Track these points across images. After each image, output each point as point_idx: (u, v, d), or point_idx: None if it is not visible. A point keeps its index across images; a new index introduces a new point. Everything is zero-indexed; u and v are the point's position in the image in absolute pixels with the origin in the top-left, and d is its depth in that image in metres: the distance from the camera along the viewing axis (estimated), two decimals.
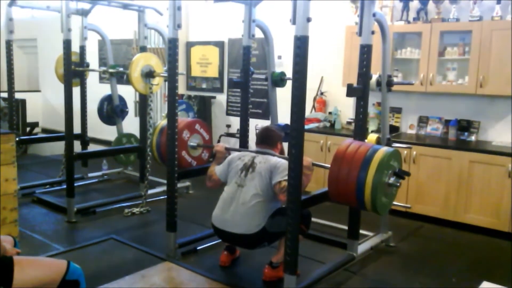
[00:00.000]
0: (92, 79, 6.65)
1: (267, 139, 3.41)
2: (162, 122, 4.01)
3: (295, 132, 2.72)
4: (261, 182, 3.14)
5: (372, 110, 5.07)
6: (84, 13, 5.29)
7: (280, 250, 3.23)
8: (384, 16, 3.60)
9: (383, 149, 2.88)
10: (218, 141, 6.62)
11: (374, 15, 3.26)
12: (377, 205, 2.83)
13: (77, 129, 5.02)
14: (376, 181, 2.76)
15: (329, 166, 2.95)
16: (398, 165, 2.99)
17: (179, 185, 4.51)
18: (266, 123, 4.97)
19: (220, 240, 3.75)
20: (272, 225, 3.12)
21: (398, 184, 2.94)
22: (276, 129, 3.56)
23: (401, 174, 2.95)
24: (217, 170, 3.44)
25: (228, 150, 3.58)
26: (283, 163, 3.11)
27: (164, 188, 4.47)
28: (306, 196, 2.98)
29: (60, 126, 5.06)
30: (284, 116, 3.95)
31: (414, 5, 4.91)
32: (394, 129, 5.08)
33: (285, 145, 3.28)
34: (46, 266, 2.14)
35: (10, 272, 1.97)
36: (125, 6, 5.10)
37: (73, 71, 4.76)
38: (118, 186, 5.76)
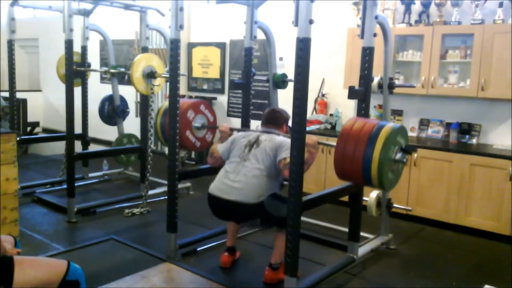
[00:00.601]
0: (93, 79, 6.66)
1: (273, 120, 3.41)
2: (166, 103, 3.99)
3: (297, 134, 2.72)
4: (265, 159, 3.13)
5: (373, 113, 5.07)
6: (86, 13, 5.29)
7: (276, 249, 3.23)
8: (386, 19, 3.60)
9: (390, 125, 2.84)
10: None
11: (376, 17, 3.26)
12: (383, 181, 2.79)
13: (78, 129, 5.02)
14: (382, 157, 2.72)
15: (335, 144, 2.92)
16: (405, 141, 2.95)
17: (180, 185, 4.50)
18: None
19: (221, 241, 3.76)
20: (270, 204, 3.09)
21: (405, 160, 2.90)
22: (282, 111, 3.52)
23: (408, 150, 2.89)
24: (219, 147, 3.42)
25: (233, 130, 3.56)
26: (288, 141, 3.08)
27: (164, 188, 4.48)
28: (306, 197, 2.98)
29: (61, 126, 5.07)
30: None
31: (416, 7, 4.92)
32: None
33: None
34: (47, 266, 2.14)
35: (11, 272, 1.97)
36: (127, 7, 5.10)
37: (74, 71, 4.76)
38: (119, 186, 5.76)
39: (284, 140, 3.17)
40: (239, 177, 3.14)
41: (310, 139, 2.92)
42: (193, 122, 3.82)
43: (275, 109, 3.54)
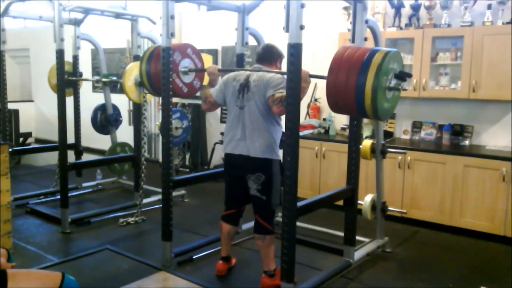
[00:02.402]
0: (85, 88, 6.63)
1: (266, 56, 3.29)
2: (148, 50, 3.82)
3: (290, 139, 2.72)
4: (257, 101, 3.09)
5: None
6: (77, 23, 5.29)
7: (264, 257, 3.23)
8: (377, 23, 3.62)
9: (383, 51, 2.71)
10: (213, 149, 6.62)
11: (366, 21, 3.28)
12: (378, 111, 2.69)
13: (70, 138, 5.00)
14: (376, 85, 2.60)
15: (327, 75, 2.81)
16: (399, 66, 2.83)
17: (174, 193, 4.49)
18: None
19: (216, 249, 3.74)
20: (276, 174, 3.14)
21: (400, 87, 2.80)
22: (277, 47, 3.39)
23: (402, 76, 2.77)
24: (212, 92, 3.36)
25: (221, 72, 3.47)
26: (278, 77, 3.05)
27: (159, 197, 4.46)
28: (301, 202, 2.97)
29: (54, 136, 5.04)
30: None
31: (406, 11, 4.95)
32: (388, 134, 5.10)
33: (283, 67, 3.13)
34: (41, 278, 2.11)
35: (4, 286, 1.95)
36: (118, 16, 5.10)
37: (66, 81, 4.75)
38: (113, 195, 5.73)
39: (272, 76, 3.09)
40: (244, 129, 3.14)
41: (302, 72, 2.79)
42: (179, 66, 3.66)
43: (269, 45, 3.40)
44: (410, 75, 2.82)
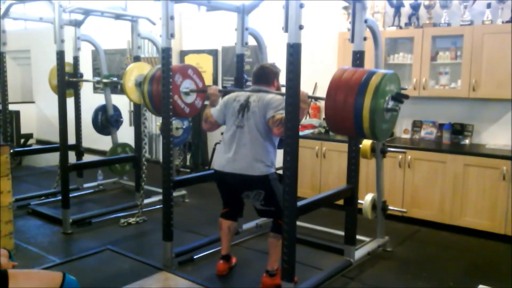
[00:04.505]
0: (86, 89, 6.65)
1: (263, 77, 3.32)
2: (151, 71, 3.88)
3: (290, 139, 2.72)
4: (257, 121, 3.11)
5: None
6: (77, 24, 5.29)
7: (271, 255, 3.24)
8: (376, 22, 3.63)
9: (379, 73, 2.74)
10: (213, 150, 6.62)
11: (366, 21, 3.28)
12: (377, 132, 2.72)
13: (71, 139, 5.01)
14: (373, 107, 2.64)
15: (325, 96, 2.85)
16: (396, 87, 2.86)
17: (175, 194, 4.50)
18: None
19: (217, 248, 3.75)
20: (276, 185, 3.12)
21: (398, 108, 2.82)
22: (272, 66, 3.45)
23: (399, 98, 2.80)
24: (213, 112, 3.37)
25: (222, 92, 3.50)
26: (277, 98, 3.07)
27: (160, 197, 4.46)
28: (302, 202, 2.98)
29: (55, 137, 5.05)
30: None
31: (406, 10, 4.95)
32: None
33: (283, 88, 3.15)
34: (42, 278, 2.12)
35: (5, 286, 1.96)
36: (118, 16, 5.11)
37: (67, 82, 4.76)
38: (114, 196, 5.74)
39: (272, 97, 3.12)
40: (240, 148, 3.14)
41: (300, 94, 2.80)
42: (181, 87, 3.71)
43: (264, 65, 3.43)
44: (407, 97, 2.88)
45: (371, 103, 2.64)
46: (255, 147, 3.12)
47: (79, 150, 5.75)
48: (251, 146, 3.12)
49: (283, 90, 2.92)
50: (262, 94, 3.19)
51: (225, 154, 3.20)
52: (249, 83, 4.43)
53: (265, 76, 3.33)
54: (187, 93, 3.76)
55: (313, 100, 5.75)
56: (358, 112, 2.67)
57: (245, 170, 3.12)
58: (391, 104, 2.78)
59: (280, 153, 3.32)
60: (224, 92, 3.49)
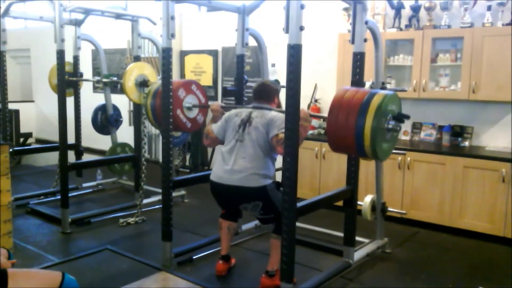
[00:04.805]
0: (86, 88, 6.64)
1: (263, 94, 3.35)
2: (155, 85, 3.94)
3: (290, 140, 2.72)
4: (259, 137, 3.13)
5: None
6: (77, 23, 5.29)
7: (272, 256, 3.23)
8: (376, 24, 3.63)
9: (381, 93, 2.79)
10: (213, 150, 6.62)
11: (366, 22, 3.28)
12: (377, 152, 2.76)
13: (71, 139, 5.01)
14: (375, 127, 2.68)
15: (327, 116, 2.89)
16: (397, 108, 2.90)
17: (174, 194, 4.50)
18: None
19: (216, 249, 3.75)
20: (273, 193, 3.11)
21: (398, 128, 2.87)
22: (272, 83, 3.48)
23: (400, 118, 2.84)
24: (214, 128, 3.40)
25: (224, 109, 3.52)
26: (280, 116, 3.09)
27: (159, 197, 4.47)
28: (301, 203, 2.98)
29: (54, 136, 5.05)
30: None
31: (406, 12, 4.96)
32: None
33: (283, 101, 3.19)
34: (41, 278, 2.12)
35: (4, 285, 1.95)
36: (119, 16, 5.11)
37: (66, 81, 4.75)
38: (113, 196, 5.73)
39: (275, 115, 3.15)
40: (237, 160, 3.14)
41: (302, 112, 2.86)
42: (184, 102, 3.75)
43: (265, 83, 3.46)
44: (408, 117, 2.94)
45: (373, 122, 2.69)
46: (255, 160, 3.12)
47: (79, 149, 5.74)
48: (250, 159, 3.12)
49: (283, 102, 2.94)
50: (265, 111, 3.23)
51: (223, 166, 3.21)
52: (249, 84, 4.44)
53: (266, 93, 3.37)
54: (189, 108, 3.81)
55: (313, 101, 5.75)
56: (359, 131, 2.72)
57: (242, 182, 3.11)
58: (392, 124, 2.83)
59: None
60: (227, 108, 3.52)
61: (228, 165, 3.17)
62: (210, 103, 3.81)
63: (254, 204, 3.18)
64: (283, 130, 2.85)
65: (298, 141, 2.78)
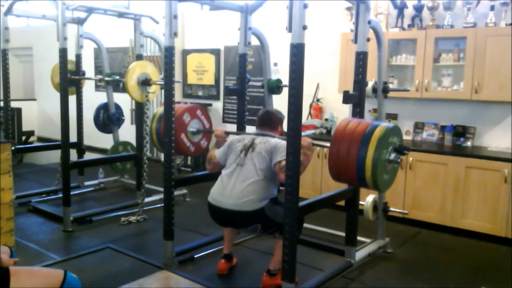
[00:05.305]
0: (88, 87, 6.66)
1: (267, 122, 3.39)
2: (161, 109, 3.99)
3: (292, 139, 2.72)
4: (261, 162, 3.13)
5: (368, 117, 5.08)
6: (80, 22, 5.29)
7: (275, 255, 3.23)
8: (379, 23, 3.62)
9: (383, 125, 2.83)
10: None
11: (369, 22, 3.27)
12: (378, 182, 2.79)
13: (73, 137, 5.01)
14: (376, 158, 2.71)
15: (329, 145, 2.92)
16: (399, 140, 2.94)
17: (176, 192, 4.49)
18: None
19: (218, 248, 3.75)
20: (271, 210, 3.10)
21: (399, 160, 2.90)
22: (277, 112, 3.50)
23: (401, 150, 2.88)
24: (216, 153, 3.41)
25: (228, 134, 3.54)
26: (283, 143, 3.09)
27: (160, 196, 4.46)
28: (303, 202, 2.98)
29: (56, 135, 5.06)
30: None
31: (409, 12, 4.95)
32: None
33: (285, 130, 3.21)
34: (43, 276, 2.12)
35: (6, 283, 1.96)
36: (121, 15, 5.11)
37: (69, 80, 4.76)
38: (115, 194, 5.74)
39: (279, 142, 3.16)
40: (237, 185, 3.14)
41: (304, 141, 2.90)
42: (188, 127, 3.81)
43: (269, 111, 3.51)
44: (409, 149, 2.99)
45: (374, 154, 2.73)
46: (254, 184, 3.11)
47: (81, 148, 5.74)
48: (249, 183, 3.11)
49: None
50: (268, 138, 3.25)
51: (222, 190, 3.20)
52: (251, 83, 4.43)
53: (270, 121, 3.40)
54: (194, 133, 3.86)
55: (315, 100, 5.75)
56: (361, 162, 2.75)
57: (240, 207, 3.10)
58: (393, 156, 2.87)
59: None
60: (230, 134, 3.54)
61: (227, 189, 3.17)
62: (214, 128, 3.84)
63: (252, 227, 3.20)
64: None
65: (300, 140, 2.78)
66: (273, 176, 3.15)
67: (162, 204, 3.66)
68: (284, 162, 2.95)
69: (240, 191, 3.11)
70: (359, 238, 3.71)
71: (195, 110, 3.90)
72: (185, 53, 7.11)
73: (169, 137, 3.48)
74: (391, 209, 4.02)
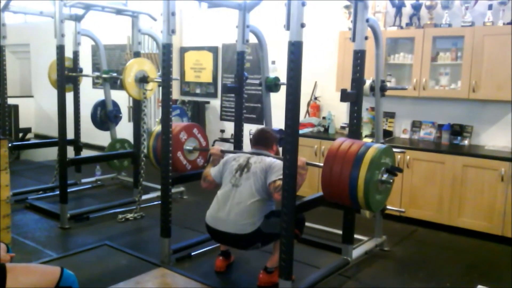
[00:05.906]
0: (85, 84, 6.63)
1: (263, 141, 3.42)
2: (158, 127, 4.01)
3: (290, 137, 2.72)
4: (256, 182, 3.13)
5: (365, 115, 5.09)
6: (77, 19, 5.28)
7: (274, 254, 3.23)
8: (377, 22, 3.63)
9: (375, 147, 2.86)
10: (213, 145, 6.62)
11: (367, 20, 3.28)
12: (370, 203, 2.82)
13: (70, 134, 5.00)
14: (368, 179, 2.75)
15: (322, 165, 2.94)
16: (391, 161, 2.97)
17: (173, 190, 4.50)
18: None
19: (215, 246, 3.75)
20: (267, 225, 3.11)
21: (391, 180, 2.93)
22: (272, 130, 3.55)
23: (393, 171, 2.92)
24: (212, 171, 3.43)
25: (224, 153, 3.57)
26: (278, 163, 3.10)
27: (158, 193, 4.46)
28: (300, 201, 2.98)
29: (53, 132, 5.04)
30: (278, 121, 3.96)
31: (407, 10, 4.95)
32: (387, 133, 5.10)
33: (280, 149, 3.26)
34: (39, 273, 2.12)
35: (3, 279, 1.95)
36: (119, 12, 5.10)
37: (66, 77, 4.74)
38: (112, 191, 5.73)
39: (274, 161, 3.16)
40: (233, 207, 3.14)
41: (299, 160, 2.88)
42: (185, 145, 3.85)
43: (265, 130, 3.54)
44: (401, 170, 3.02)
45: (367, 174, 2.75)
46: (251, 206, 3.11)
47: (78, 145, 5.74)
48: (245, 205, 3.11)
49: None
50: (263, 157, 3.25)
51: (218, 213, 3.21)
52: (249, 81, 4.43)
53: (265, 140, 3.42)
54: (190, 151, 3.88)
55: (313, 99, 5.76)
56: (353, 182, 2.78)
57: (238, 230, 3.11)
58: (385, 176, 2.89)
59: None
60: (226, 153, 3.54)
61: (223, 212, 3.17)
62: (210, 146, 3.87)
63: (253, 247, 3.23)
64: (281, 177, 2.85)
65: (298, 138, 2.78)
66: (269, 195, 3.14)
67: (159, 202, 3.66)
68: (279, 182, 2.95)
69: (237, 214, 3.11)
70: (356, 236, 3.71)
71: (192, 128, 3.94)
72: (183, 50, 7.10)
73: (166, 135, 3.47)
74: (388, 207, 4.02)
